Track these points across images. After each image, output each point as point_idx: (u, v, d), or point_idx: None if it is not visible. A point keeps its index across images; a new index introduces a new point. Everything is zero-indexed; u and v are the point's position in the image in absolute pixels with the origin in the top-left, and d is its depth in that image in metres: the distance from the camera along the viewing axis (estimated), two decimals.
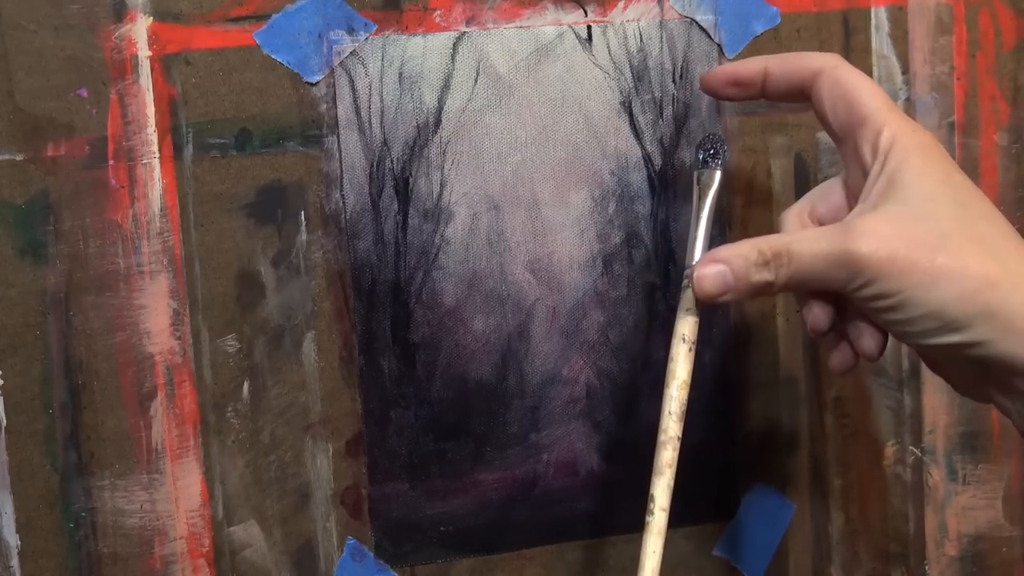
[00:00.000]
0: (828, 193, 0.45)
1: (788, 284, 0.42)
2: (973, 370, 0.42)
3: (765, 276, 0.42)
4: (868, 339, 0.44)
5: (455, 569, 0.52)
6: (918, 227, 0.40)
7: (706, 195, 0.46)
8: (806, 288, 0.44)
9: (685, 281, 0.44)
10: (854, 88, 0.43)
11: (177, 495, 0.49)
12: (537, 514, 0.52)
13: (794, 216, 0.45)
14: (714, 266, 0.43)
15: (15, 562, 0.47)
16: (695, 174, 0.47)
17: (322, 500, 0.50)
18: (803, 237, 0.42)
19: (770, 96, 0.46)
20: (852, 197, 0.44)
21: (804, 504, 0.55)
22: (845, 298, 0.42)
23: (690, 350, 0.44)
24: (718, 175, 0.47)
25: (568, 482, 0.52)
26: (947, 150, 0.42)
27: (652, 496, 0.43)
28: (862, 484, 0.56)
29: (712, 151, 0.47)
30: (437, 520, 0.51)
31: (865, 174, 0.42)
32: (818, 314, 0.44)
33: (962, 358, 0.40)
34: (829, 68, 0.44)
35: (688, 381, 0.44)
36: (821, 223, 0.45)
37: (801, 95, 0.45)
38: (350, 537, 0.51)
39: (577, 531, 0.53)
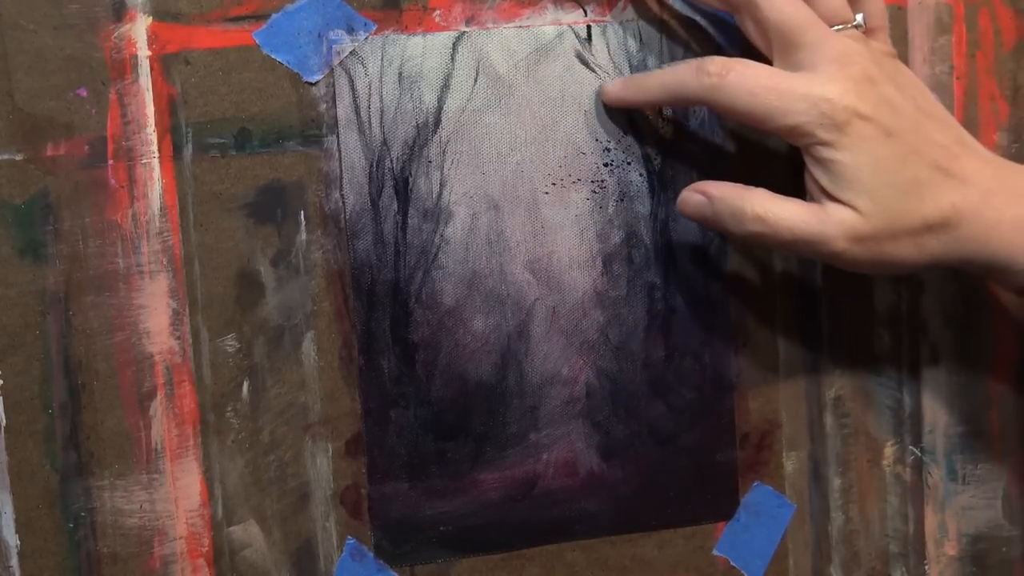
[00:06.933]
0: None
1: None
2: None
3: None
4: None
5: (455, 569, 0.52)
6: None
7: None
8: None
9: None
10: None
11: (177, 495, 0.49)
12: (537, 514, 0.52)
13: None
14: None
15: (15, 562, 0.47)
16: None
17: (322, 500, 0.50)
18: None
19: None
20: None
21: (804, 504, 0.55)
22: None
23: None
24: None
25: (568, 482, 0.52)
26: None
27: None
28: (862, 484, 0.56)
29: None
30: (437, 520, 0.51)
31: None
32: None
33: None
34: None
35: None
36: None
37: None
38: (350, 537, 0.51)
39: (577, 531, 0.53)
